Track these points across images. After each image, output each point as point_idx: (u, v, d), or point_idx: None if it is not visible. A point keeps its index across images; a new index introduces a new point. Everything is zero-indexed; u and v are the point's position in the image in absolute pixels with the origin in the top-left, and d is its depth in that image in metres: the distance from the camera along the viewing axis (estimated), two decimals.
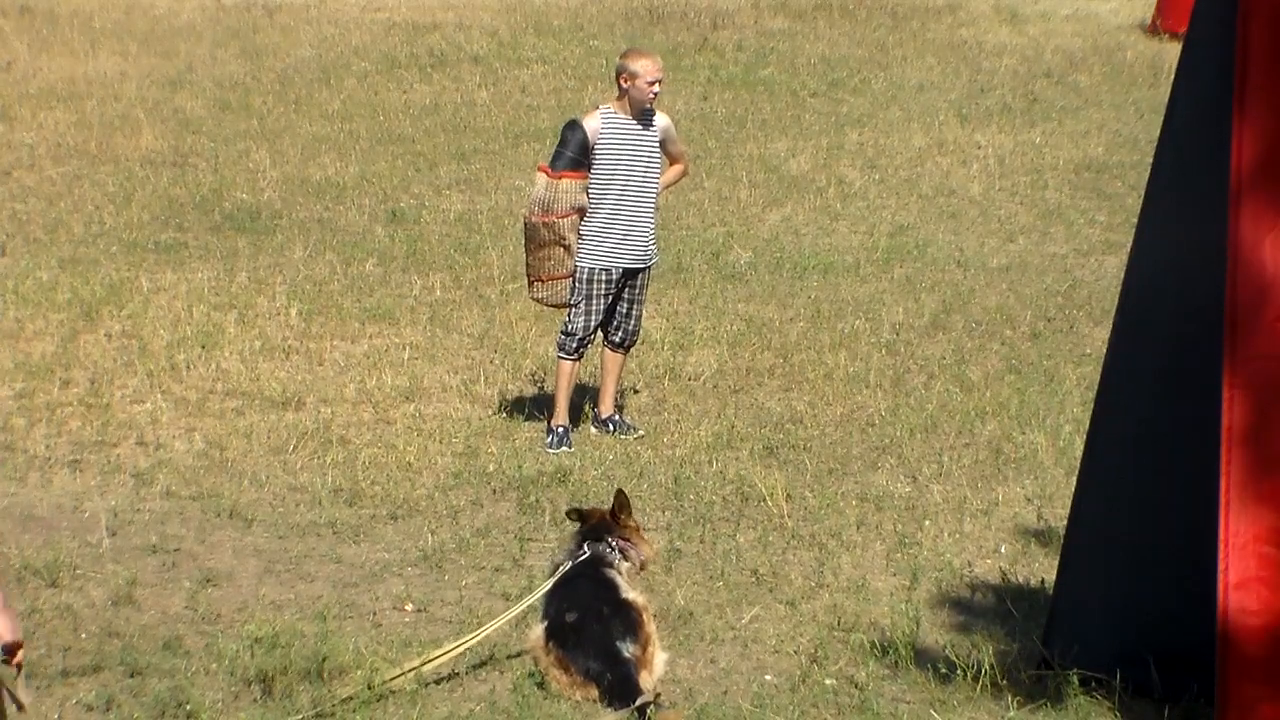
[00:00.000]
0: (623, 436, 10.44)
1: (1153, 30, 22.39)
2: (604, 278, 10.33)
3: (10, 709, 5.19)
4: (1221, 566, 6.48)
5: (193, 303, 12.70)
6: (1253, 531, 6.45)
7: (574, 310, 10.38)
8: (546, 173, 10.26)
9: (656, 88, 10.28)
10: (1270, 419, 6.44)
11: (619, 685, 7.13)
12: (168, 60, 21.01)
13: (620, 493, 7.92)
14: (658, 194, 10.52)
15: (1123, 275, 7.35)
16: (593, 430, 10.54)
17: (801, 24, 23.15)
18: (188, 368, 11.41)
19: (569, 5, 23.86)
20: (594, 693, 7.20)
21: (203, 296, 12.87)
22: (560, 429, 10.35)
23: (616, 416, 10.60)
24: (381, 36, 22.36)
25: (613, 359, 10.61)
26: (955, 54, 21.71)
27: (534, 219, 10.27)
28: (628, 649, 7.26)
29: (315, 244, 14.38)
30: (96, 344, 11.83)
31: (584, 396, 10.91)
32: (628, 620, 7.36)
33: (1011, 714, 7.11)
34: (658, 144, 10.43)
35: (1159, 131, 7.07)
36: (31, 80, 19.88)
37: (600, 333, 10.56)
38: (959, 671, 7.36)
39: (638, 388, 11.35)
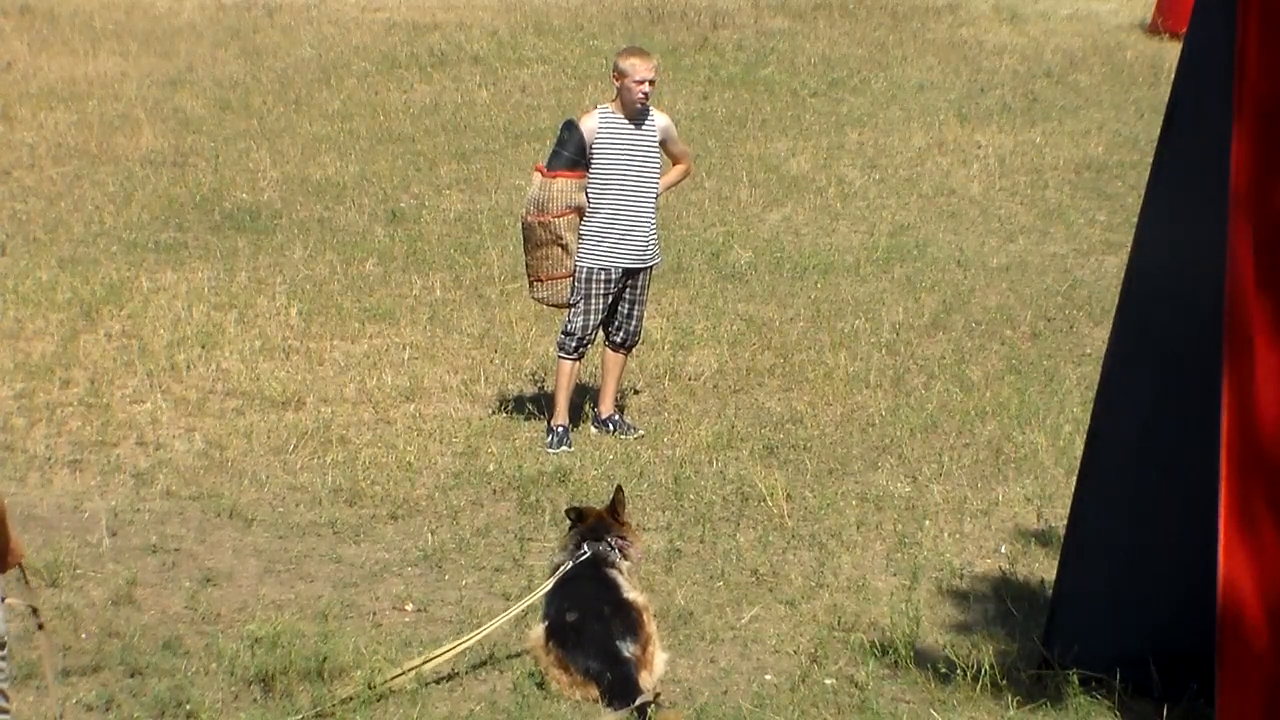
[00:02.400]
0: (623, 436, 10.44)
1: (1153, 30, 22.38)
2: (603, 277, 10.34)
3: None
4: (1221, 566, 6.48)
5: (193, 303, 12.70)
6: (1252, 532, 6.45)
7: (574, 310, 10.39)
8: (541, 172, 10.30)
9: (646, 88, 10.26)
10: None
11: (619, 685, 7.13)
12: (168, 60, 21.01)
13: (619, 490, 7.93)
14: (658, 194, 10.51)
15: (1123, 275, 7.36)
16: (593, 430, 10.54)
17: (801, 24, 23.14)
18: (188, 368, 11.41)
19: (569, 5, 23.85)
20: (594, 692, 7.20)
21: (203, 296, 12.88)
22: (560, 429, 10.35)
23: (616, 416, 10.60)
24: (381, 36, 22.37)
25: (614, 359, 10.61)
26: (955, 54, 21.71)
27: (529, 219, 10.31)
28: (628, 648, 7.26)
29: (315, 244, 14.38)
30: (96, 344, 11.83)
31: (584, 396, 10.91)
32: (628, 620, 7.37)
33: (1011, 714, 7.11)
34: (657, 144, 10.43)
35: (1159, 131, 7.07)
36: (31, 80, 19.89)
37: (601, 333, 10.57)
38: (959, 671, 7.36)
39: (638, 388, 11.35)
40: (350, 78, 20.31)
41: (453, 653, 7.37)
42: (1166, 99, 7.05)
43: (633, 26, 22.78)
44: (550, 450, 10.19)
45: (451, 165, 17.04)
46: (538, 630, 7.48)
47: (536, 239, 10.30)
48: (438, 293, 13.17)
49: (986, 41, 22.32)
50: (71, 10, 23.20)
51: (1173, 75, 7.12)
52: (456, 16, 23.38)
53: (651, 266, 10.57)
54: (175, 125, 18.23)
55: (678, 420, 10.73)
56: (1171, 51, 17.82)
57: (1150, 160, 7.20)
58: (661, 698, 7.19)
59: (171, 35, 22.24)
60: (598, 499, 8.68)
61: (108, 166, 16.76)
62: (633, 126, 10.32)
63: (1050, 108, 19.31)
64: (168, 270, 13.57)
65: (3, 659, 5.56)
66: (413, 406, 10.90)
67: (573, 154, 10.22)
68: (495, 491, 9.63)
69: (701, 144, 17.53)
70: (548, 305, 10.74)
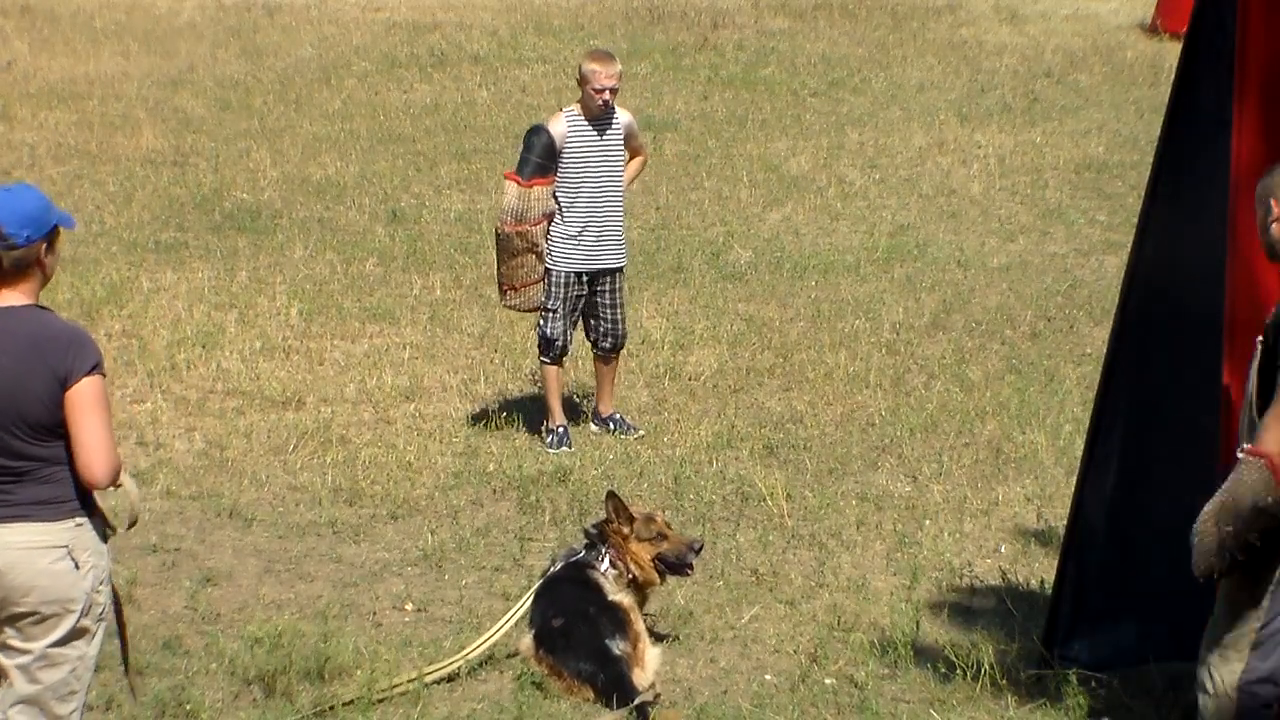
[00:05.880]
0: (623, 436, 10.43)
1: (1153, 30, 22.38)
2: (576, 280, 10.28)
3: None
4: None
5: (193, 302, 12.70)
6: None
7: (551, 315, 10.28)
8: (517, 181, 10.13)
9: (606, 95, 10.16)
10: None
11: (613, 684, 7.12)
12: (168, 60, 21.01)
13: (609, 496, 7.80)
14: (624, 193, 10.47)
15: (1123, 275, 7.36)
16: (593, 428, 10.53)
17: (801, 24, 23.14)
18: (188, 367, 11.41)
19: (569, 5, 23.85)
20: (590, 694, 7.20)
21: (203, 296, 12.88)
22: (560, 429, 10.33)
23: (617, 415, 10.58)
24: (382, 36, 22.36)
25: (603, 368, 10.54)
26: (955, 54, 21.70)
27: (508, 229, 10.14)
28: (618, 646, 7.25)
29: (315, 243, 14.38)
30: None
31: (583, 396, 10.92)
32: (615, 619, 7.34)
33: (1011, 714, 7.11)
34: (622, 143, 10.37)
35: (1159, 131, 7.08)
36: (32, 80, 19.89)
37: (588, 342, 10.55)
38: (959, 671, 7.36)
39: (638, 388, 11.34)
40: (350, 78, 20.31)
41: (460, 659, 7.36)
42: (1166, 99, 7.05)
43: (633, 26, 22.78)
44: (550, 450, 10.18)
45: (451, 165, 17.04)
46: (527, 639, 7.45)
47: (513, 248, 10.15)
48: (438, 293, 13.17)
49: (986, 41, 22.32)
50: (72, 10, 23.20)
51: (1173, 75, 7.12)
52: (456, 16, 23.38)
53: (622, 267, 10.51)
54: (175, 125, 18.23)
55: (678, 420, 10.73)
56: (1171, 51, 17.81)
57: (1150, 160, 7.20)
58: (661, 697, 7.19)
59: (172, 35, 22.24)
60: (597, 499, 8.68)
61: (108, 166, 16.76)
62: (599, 129, 10.25)
63: (1050, 108, 19.31)
64: (168, 270, 13.57)
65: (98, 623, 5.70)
66: (413, 406, 10.91)
67: (542, 159, 10.13)
68: (495, 491, 9.63)
69: (701, 144, 17.53)
70: (519, 312, 10.67)
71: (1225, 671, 6.01)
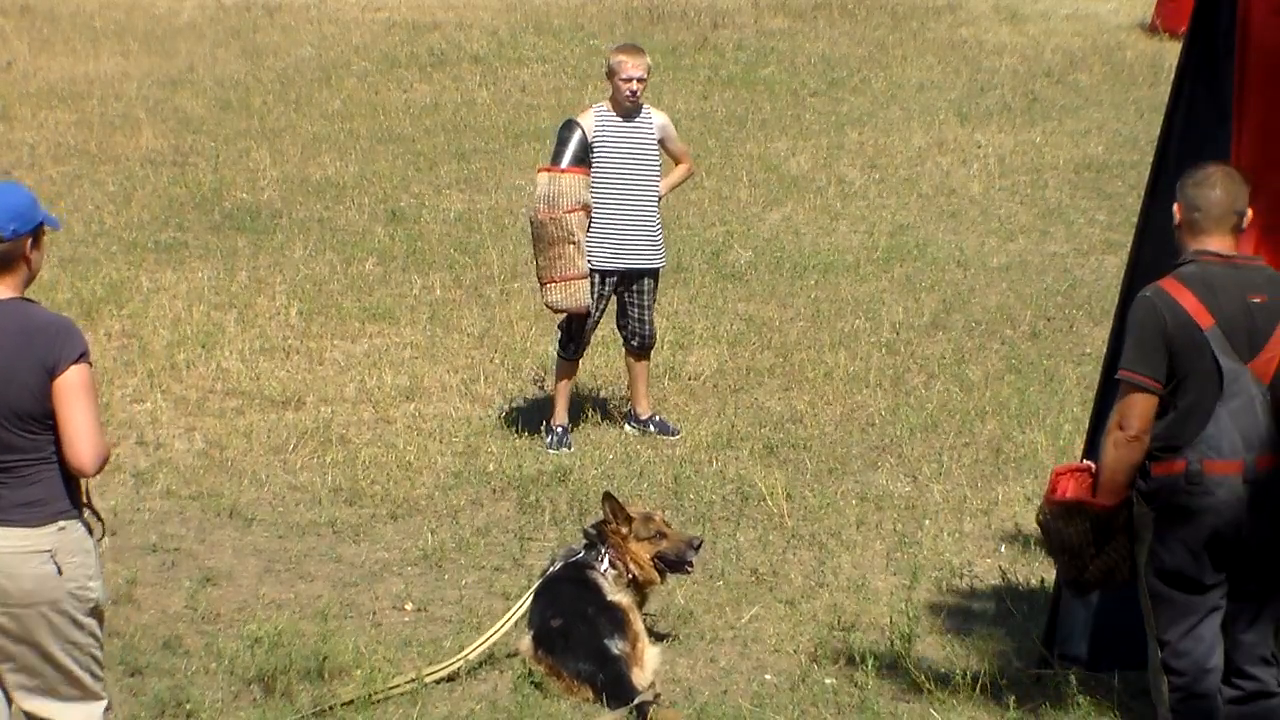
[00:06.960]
0: (663, 437, 10.38)
1: (1153, 30, 22.38)
2: (602, 280, 10.26)
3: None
4: None
5: (193, 302, 12.70)
6: None
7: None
8: (548, 169, 10.16)
9: (635, 85, 10.16)
10: None
11: (612, 684, 7.12)
12: (168, 60, 21.01)
13: (605, 498, 7.79)
14: (659, 194, 10.45)
15: (1122, 275, 7.36)
16: (629, 429, 10.48)
17: (801, 23, 23.14)
18: (188, 367, 11.41)
19: (569, 5, 23.85)
20: (589, 694, 7.20)
21: (203, 296, 12.88)
22: (560, 429, 10.32)
23: (657, 417, 10.55)
24: (381, 36, 22.36)
25: (636, 365, 10.54)
26: (955, 53, 21.70)
27: (539, 215, 10.05)
28: (616, 646, 7.25)
29: (315, 243, 14.38)
30: (96, 344, 11.81)
31: (584, 397, 10.91)
32: (614, 619, 7.34)
33: (1011, 714, 7.11)
34: (655, 142, 10.36)
35: (1159, 131, 7.08)
36: (32, 80, 19.88)
37: (620, 338, 10.56)
38: (959, 671, 7.36)
39: None
40: (350, 78, 20.31)
41: (459, 660, 7.36)
42: (1166, 99, 7.05)
43: (633, 26, 22.76)
44: (550, 450, 10.17)
45: (451, 165, 17.03)
46: (526, 640, 7.46)
47: (549, 237, 10.03)
48: (438, 292, 13.17)
49: (986, 41, 22.32)
50: (72, 10, 23.20)
51: (1173, 75, 7.13)
52: (456, 16, 23.38)
53: (657, 269, 10.48)
54: (175, 125, 18.22)
55: (678, 420, 10.73)
56: (1171, 51, 17.80)
57: (1150, 160, 7.20)
58: (661, 697, 7.19)
59: (172, 35, 22.24)
60: (598, 499, 8.68)
61: (108, 166, 16.76)
62: (629, 124, 10.26)
63: (1050, 108, 19.30)
64: (168, 270, 13.57)
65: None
66: (413, 406, 10.91)
67: (577, 151, 10.13)
68: (495, 491, 9.63)
69: (701, 144, 17.52)
70: (562, 310, 10.24)
71: (1159, 696, 6.19)
